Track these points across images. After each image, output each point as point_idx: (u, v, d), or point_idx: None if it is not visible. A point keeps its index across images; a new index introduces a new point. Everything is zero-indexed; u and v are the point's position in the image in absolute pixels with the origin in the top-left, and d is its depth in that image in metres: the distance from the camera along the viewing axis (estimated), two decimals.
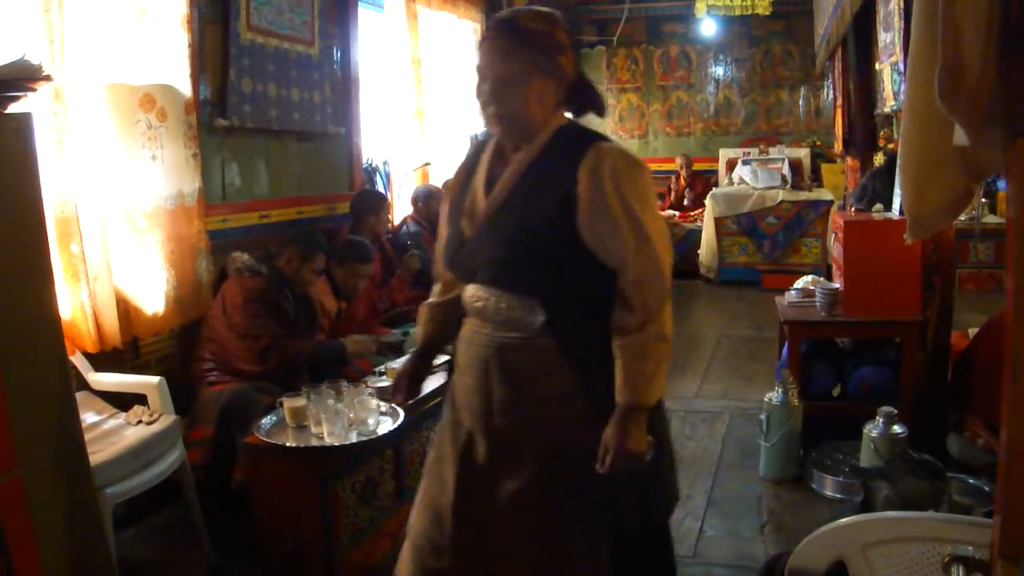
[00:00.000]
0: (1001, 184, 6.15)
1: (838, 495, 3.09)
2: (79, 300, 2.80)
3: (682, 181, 8.46)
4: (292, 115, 3.99)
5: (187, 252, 3.29)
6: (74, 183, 2.77)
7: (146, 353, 3.19)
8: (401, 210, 5.13)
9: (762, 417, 3.33)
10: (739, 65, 8.65)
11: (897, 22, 3.58)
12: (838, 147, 6.58)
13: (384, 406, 2.61)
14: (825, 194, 7.46)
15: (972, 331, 3.59)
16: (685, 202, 8.37)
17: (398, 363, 2.96)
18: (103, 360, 2.93)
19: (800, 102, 8.55)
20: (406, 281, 4.28)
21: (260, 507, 2.50)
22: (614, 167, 1.60)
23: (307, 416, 2.51)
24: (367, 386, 2.75)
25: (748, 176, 7.76)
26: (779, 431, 3.24)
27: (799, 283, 3.90)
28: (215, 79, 3.56)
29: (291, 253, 3.27)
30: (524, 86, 1.62)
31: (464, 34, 6.16)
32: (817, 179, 8.01)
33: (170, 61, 3.20)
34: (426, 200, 4.70)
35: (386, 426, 2.55)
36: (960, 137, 1.16)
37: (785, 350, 3.61)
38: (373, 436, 2.47)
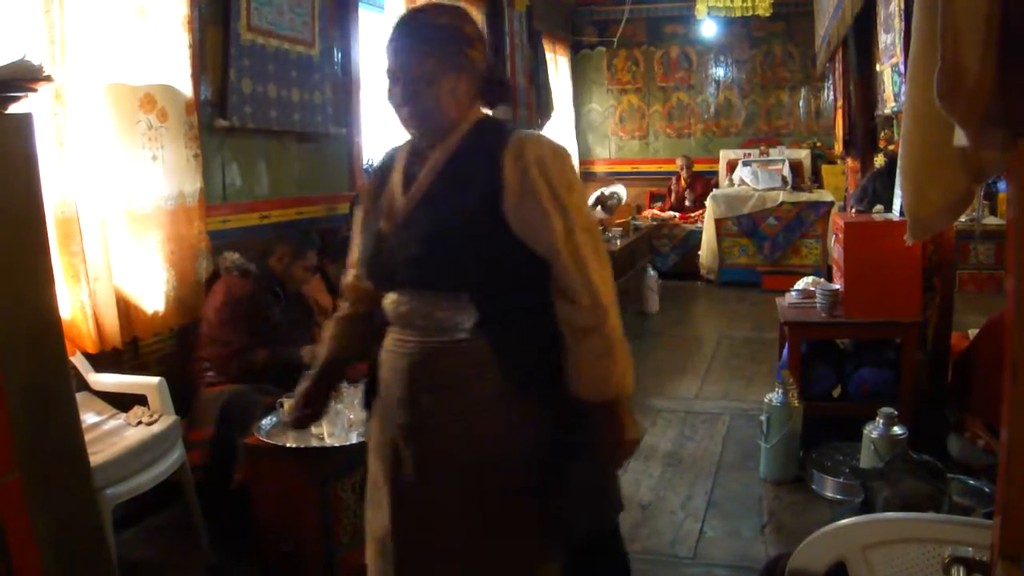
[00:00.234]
0: (1001, 185, 6.15)
1: (838, 496, 3.09)
2: (79, 300, 2.80)
3: (682, 182, 8.46)
4: (292, 115, 3.99)
5: (187, 252, 3.29)
6: (75, 183, 2.77)
7: (146, 354, 3.19)
8: None
9: (762, 418, 3.33)
10: (740, 66, 8.66)
11: (898, 23, 3.58)
12: (838, 148, 6.58)
13: None
14: (825, 195, 7.47)
15: (972, 332, 3.59)
16: (685, 203, 8.38)
17: None
18: (103, 360, 2.93)
19: (800, 103, 8.55)
20: None
21: (260, 507, 2.50)
22: (538, 154, 1.55)
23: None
24: None
25: (748, 177, 7.76)
26: (779, 432, 3.24)
27: (799, 284, 3.90)
28: (215, 79, 3.56)
29: (282, 251, 3.27)
30: (436, 83, 1.56)
31: None
32: (817, 180, 8.01)
33: (171, 61, 3.21)
34: None
35: None
36: (960, 138, 1.15)
37: (785, 351, 3.61)
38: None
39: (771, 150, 8.14)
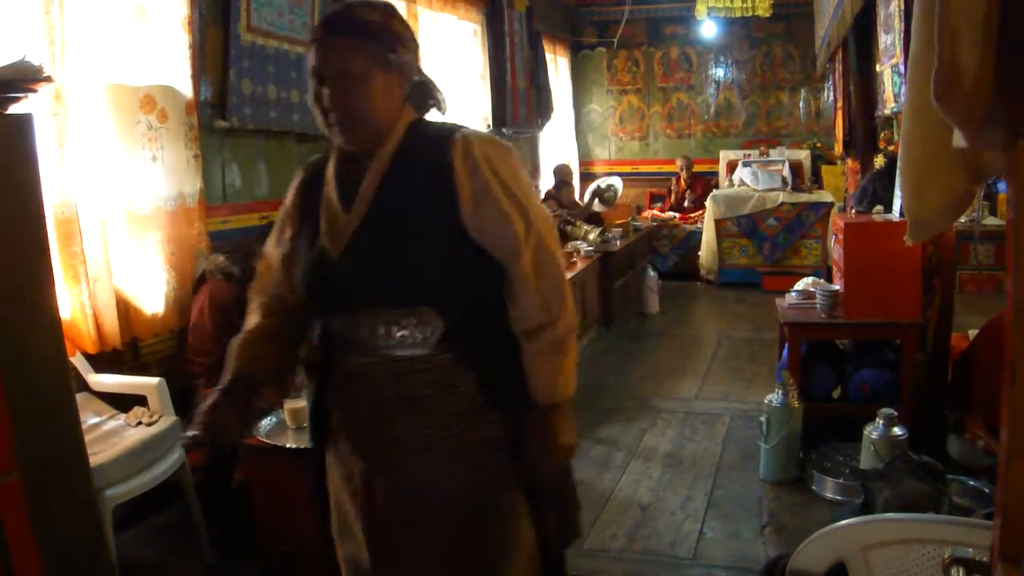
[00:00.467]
0: (1001, 186, 6.15)
1: (838, 497, 3.09)
2: (79, 301, 2.80)
3: (682, 183, 8.46)
4: (292, 116, 3.99)
5: (187, 253, 3.29)
6: (75, 184, 2.77)
7: (146, 354, 3.19)
8: None
9: (762, 419, 3.32)
10: (739, 67, 8.66)
11: (898, 24, 3.58)
12: (838, 149, 6.59)
13: None
14: (825, 196, 7.47)
15: (972, 333, 3.59)
16: (685, 204, 8.38)
17: None
18: (103, 361, 2.93)
19: (800, 104, 8.55)
20: None
21: (260, 508, 2.50)
22: (485, 153, 1.49)
23: (307, 418, 2.50)
24: None
25: (748, 178, 7.76)
26: (779, 433, 3.24)
27: (799, 285, 3.90)
28: (215, 80, 3.56)
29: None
30: (367, 83, 1.46)
31: (464, 36, 6.16)
32: (817, 181, 8.01)
33: (171, 62, 3.21)
34: None
35: None
36: (959, 139, 1.15)
37: (785, 352, 3.61)
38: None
39: (771, 151, 8.14)
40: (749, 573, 2.63)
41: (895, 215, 3.51)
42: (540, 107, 7.44)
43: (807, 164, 8.07)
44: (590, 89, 9.12)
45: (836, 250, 3.84)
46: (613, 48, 8.85)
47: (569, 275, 5.06)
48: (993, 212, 6.52)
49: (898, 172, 2.51)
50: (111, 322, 2.92)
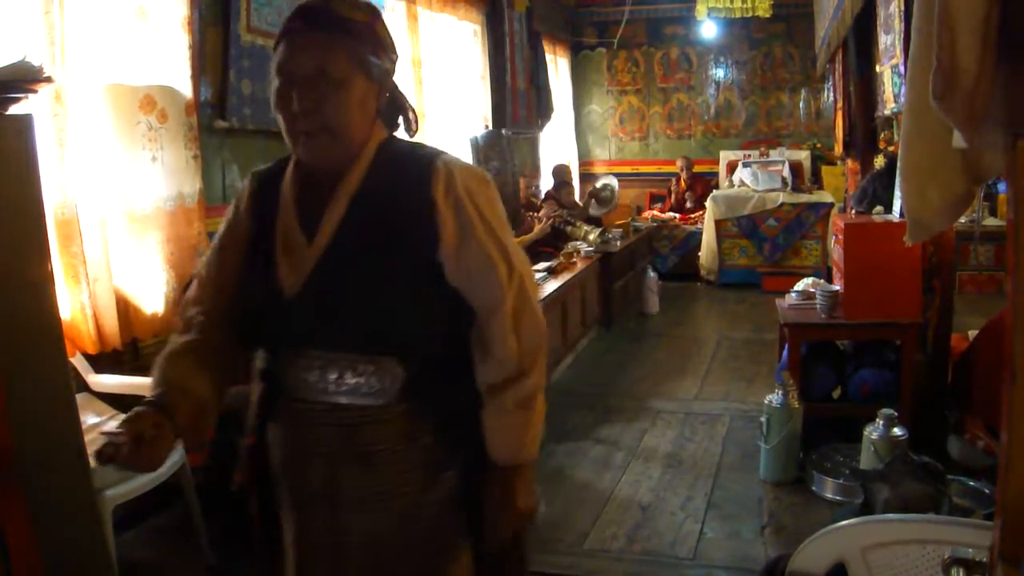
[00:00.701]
0: (1001, 187, 6.15)
1: (838, 497, 3.09)
2: (79, 301, 2.80)
3: (682, 183, 8.46)
4: None
5: (187, 253, 3.29)
6: (75, 184, 2.77)
7: (146, 355, 3.19)
8: None
9: (762, 419, 3.32)
10: (739, 67, 8.66)
11: (898, 24, 3.58)
12: (838, 149, 6.58)
13: None
14: (825, 196, 7.47)
15: (972, 333, 3.59)
16: (686, 204, 8.38)
17: None
18: (103, 361, 2.93)
19: (800, 104, 8.56)
20: None
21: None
22: (467, 187, 1.34)
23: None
24: None
25: (748, 178, 7.77)
26: (779, 433, 3.24)
27: (799, 285, 3.90)
28: (215, 81, 3.56)
29: None
30: (347, 90, 1.28)
31: (464, 36, 6.16)
32: (817, 181, 8.01)
33: (170, 63, 3.21)
34: None
35: None
36: (959, 140, 1.16)
37: (785, 352, 3.61)
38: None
39: (771, 151, 8.15)
40: (749, 574, 2.62)
41: (895, 216, 3.51)
42: (540, 107, 7.44)
43: (807, 165, 8.07)
44: (590, 89, 9.12)
45: (836, 251, 3.84)
46: (613, 48, 8.85)
47: (569, 275, 5.12)
48: (993, 213, 6.53)
49: (898, 173, 2.52)
50: (111, 322, 2.92)
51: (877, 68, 4.46)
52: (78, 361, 2.82)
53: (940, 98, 1.06)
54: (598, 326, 5.91)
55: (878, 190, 4.00)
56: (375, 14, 1.37)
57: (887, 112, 4.23)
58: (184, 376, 1.36)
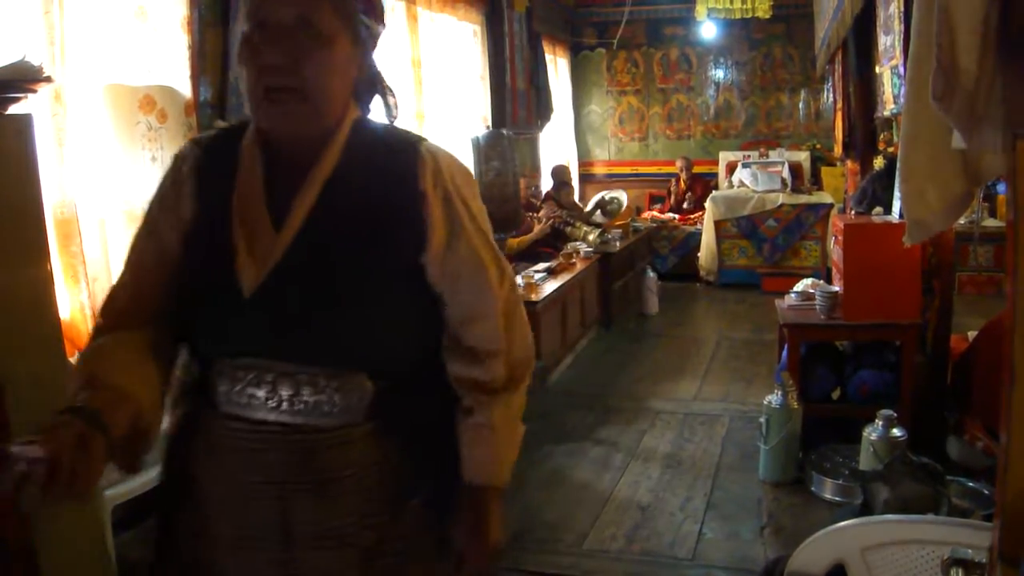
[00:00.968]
0: (1001, 187, 6.15)
1: (837, 498, 3.09)
2: (79, 301, 2.80)
3: (682, 184, 8.46)
4: None
5: None
6: (74, 184, 2.77)
7: None
8: None
9: (762, 420, 3.33)
10: (739, 68, 8.66)
11: (897, 25, 3.58)
12: (838, 150, 6.59)
13: None
14: (825, 197, 7.47)
15: (971, 334, 3.59)
16: (685, 205, 8.38)
17: None
18: None
19: (800, 105, 8.56)
20: None
21: None
22: (454, 177, 1.19)
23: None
24: None
25: (748, 179, 7.77)
26: (778, 434, 3.24)
27: (799, 286, 3.90)
28: (215, 81, 3.56)
29: None
30: (332, 49, 1.09)
31: (464, 36, 6.16)
32: (817, 182, 8.01)
33: (170, 63, 3.21)
34: None
35: None
36: (959, 140, 1.16)
37: (785, 353, 3.61)
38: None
39: (771, 152, 8.15)
40: (748, 574, 2.63)
41: (895, 216, 3.51)
42: (540, 108, 7.44)
43: (807, 165, 8.08)
44: (590, 90, 9.12)
45: (836, 251, 3.84)
46: (613, 49, 8.84)
47: (568, 276, 5.12)
48: (993, 214, 6.53)
49: (897, 173, 2.52)
50: None
51: (877, 69, 4.47)
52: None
53: (940, 99, 1.06)
54: (597, 326, 5.91)
55: (877, 191, 4.00)
56: None
57: (887, 113, 4.24)
58: (117, 374, 1.08)
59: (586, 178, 8.96)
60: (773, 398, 3.29)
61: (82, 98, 2.83)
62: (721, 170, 8.37)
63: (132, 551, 2.80)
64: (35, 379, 1.85)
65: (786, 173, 7.77)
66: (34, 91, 1.88)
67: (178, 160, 1.22)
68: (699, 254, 7.75)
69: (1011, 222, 0.98)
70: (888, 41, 3.95)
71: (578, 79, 9.05)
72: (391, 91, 1.27)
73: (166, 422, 1.21)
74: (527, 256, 5.80)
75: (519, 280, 4.69)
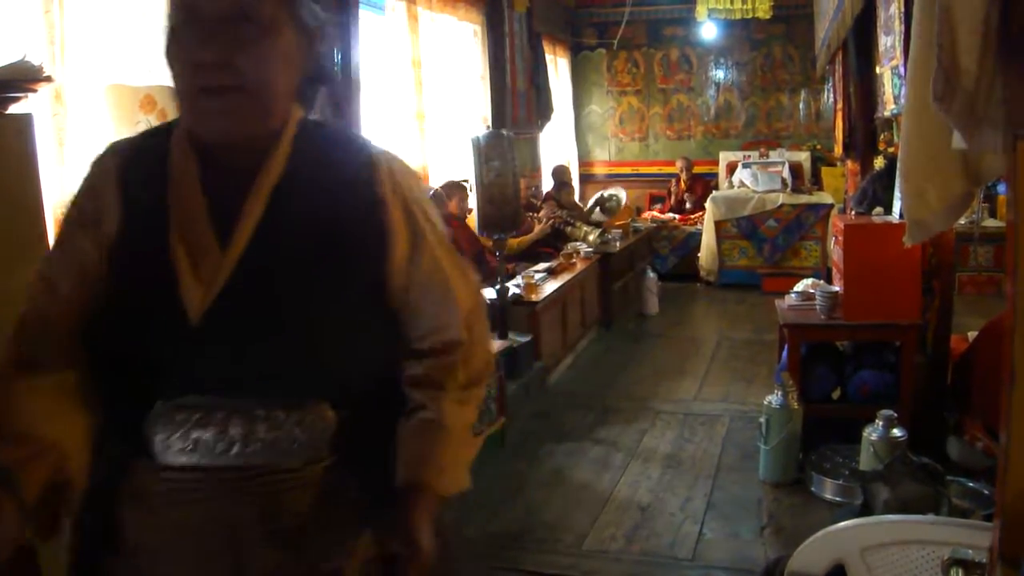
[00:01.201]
0: (1001, 188, 6.15)
1: (837, 498, 3.09)
2: None
3: (682, 184, 8.46)
4: None
5: None
6: (74, 184, 2.77)
7: None
8: None
9: (762, 420, 3.32)
10: (740, 68, 8.66)
11: (898, 26, 3.58)
12: (838, 150, 6.59)
13: None
14: (825, 197, 7.47)
15: (972, 335, 3.59)
16: (685, 205, 8.38)
17: None
18: None
19: (800, 106, 8.55)
20: None
21: None
22: (410, 185, 1.11)
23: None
24: None
25: (748, 179, 7.77)
26: (779, 434, 3.24)
27: (799, 286, 3.90)
28: None
29: None
30: (273, 39, 0.97)
31: (464, 36, 6.16)
32: (817, 182, 8.01)
33: None
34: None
35: None
36: (959, 141, 1.16)
37: (785, 353, 3.61)
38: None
39: (771, 152, 8.15)
40: (748, 574, 2.63)
41: (895, 217, 3.51)
42: (540, 108, 7.44)
43: (807, 166, 8.08)
44: (590, 90, 9.12)
45: (836, 252, 3.84)
46: (613, 49, 8.84)
47: (568, 276, 5.13)
48: (993, 214, 6.53)
49: (898, 174, 2.52)
50: None
51: (877, 69, 4.47)
52: None
53: (940, 99, 1.06)
54: (597, 327, 5.91)
55: (878, 191, 4.00)
56: None
57: (887, 113, 4.23)
58: (33, 422, 0.95)
59: (586, 178, 8.96)
60: (773, 398, 3.29)
61: (83, 98, 2.83)
62: (721, 170, 8.37)
63: None
64: None
65: (786, 173, 7.77)
66: (34, 91, 1.88)
67: (96, 168, 1.10)
68: (699, 254, 7.75)
69: (1011, 222, 0.98)
70: (888, 41, 3.95)
71: (578, 79, 9.05)
72: (339, 88, 1.17)
73: (91, 477, 1.02)
74: (527, 256, 5.80)
75: (519, 280, 4.69)
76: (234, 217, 1.00)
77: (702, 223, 7.78)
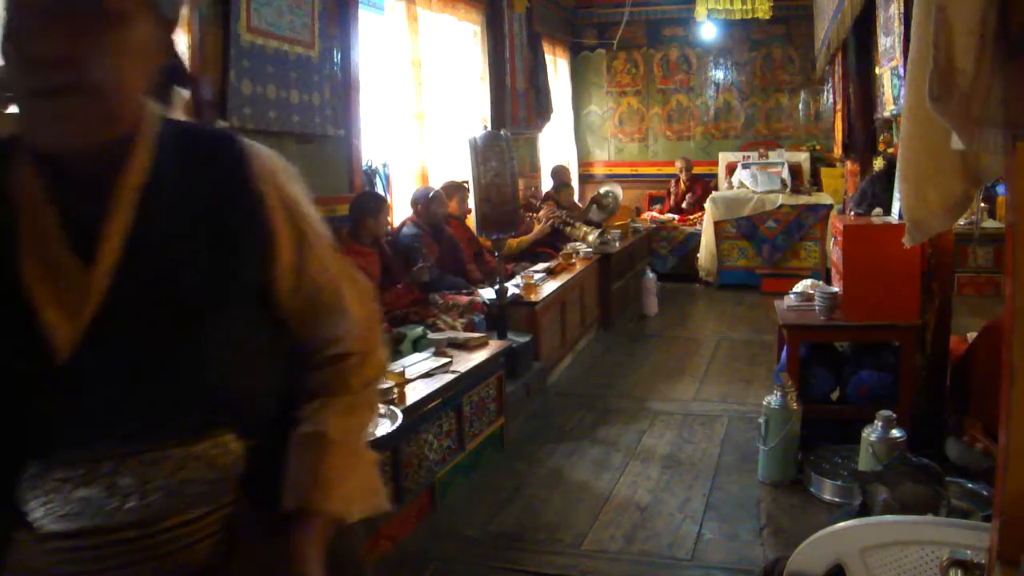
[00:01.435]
0: (1001, 188, 6.16)
1: (836, 499, 3.09)
2: None
3: (682, 185, 8.47)
4: (291, 117, 3.99)
5: None
6: None
7: None
8: (401, 212, 5.14)
9: (761, 420, 3.32)
10: (739, 69, 8.67)
11: (897, 27, 3.59)
12: (838, 151, 6.60)
13: (382, 408, 2.60)
14: (824, 198, 7.48)
15: (971, 335, 3.59)
16: (684, 205, 8.39)
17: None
18: None
19: (800, 106, 8.56)
20: (411, 290, 4.29)
21: None
22: (287, 180, 1.00)
23: None
24: None
25: (748, 180, 7.78)
26: (778, 435, 3.24)
27: (798, 287, 3.90)
28: (215, 80, 3.56)
29: None
30: (122, 29, 0.85)
31: (464, 37, 6.17)
32: (817, 183, 8.02)
33: None
34: (426, 203, 4.71)
35: (384, 428, 2.54)
36: (958, 142, 1.16)
37: (784, 354, 3.61)
38: (371, 438, 2.46)
39: (770, 153, 8.16)
40: (747, 575, 2.63)
41: (894, 217, 3.51)
42: (539, 108, 7.44)
43: (806, 166, 8.09)
44: (589, 91, 9.12)
45: (835, 252, 3.84)
46: (612, 50, 8.85)
47: (568, 276, 5.13)
48: (992, 215, 6.54)
49: (897, 174, 2.52)
50: None
51: (876, 70, 4.47)
52: None
53: (937, 99, 1.06)
54: (597, 327, 5.91)
55: (877, 192, 4.01)
56: None
57: (886, 114, 4.24)
58: None
59: (586, 179, 8.96)
60: (772, 399, 3.29)
61: None
62: (721, 171, 8.38)
63: None
64: None
65: (786, 174, 7.78)
66: None
67: None
68: (698, 255, 7.76)
69: (1010, 223, 0.98)
70: (888, 42, 3.95)
71: (578, 80, 9.06)
72: (196, 82, 1.06)
73: None
74: (527, 256, 5.80)
75: (518, 280, 4.70)
76: (94, 232, 0.87)
77: (701, 223, 7.79)
